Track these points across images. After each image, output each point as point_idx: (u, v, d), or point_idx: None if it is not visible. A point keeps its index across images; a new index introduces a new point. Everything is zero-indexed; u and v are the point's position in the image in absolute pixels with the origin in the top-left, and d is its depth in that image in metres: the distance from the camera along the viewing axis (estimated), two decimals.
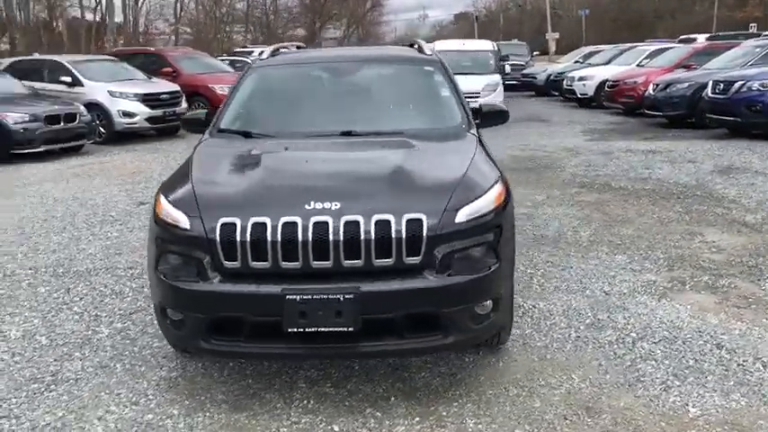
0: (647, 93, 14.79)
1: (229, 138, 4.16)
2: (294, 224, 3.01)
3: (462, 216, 3.14)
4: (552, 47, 44.50)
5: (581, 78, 19.31)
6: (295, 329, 3.00)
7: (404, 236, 3.02)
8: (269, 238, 3.00)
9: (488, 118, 4.46)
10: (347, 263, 3.02)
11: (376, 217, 3.03)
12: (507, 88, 23.67)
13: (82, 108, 12.19)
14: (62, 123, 11.61)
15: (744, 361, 3.68)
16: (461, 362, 3.75)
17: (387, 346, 3.15)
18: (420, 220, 3.05)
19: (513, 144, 12.16)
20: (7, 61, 15.24)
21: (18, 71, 14.02)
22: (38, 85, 13.60)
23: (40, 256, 5.95)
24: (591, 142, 12.25)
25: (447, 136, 4.04)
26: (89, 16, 38.94)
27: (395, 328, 3.10)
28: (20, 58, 16.48)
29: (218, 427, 3.17)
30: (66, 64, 13.90)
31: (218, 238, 3.04)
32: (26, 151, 11.18)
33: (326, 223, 3.01)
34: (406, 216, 3.04)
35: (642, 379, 3.52)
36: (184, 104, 14.43)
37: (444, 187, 3.26)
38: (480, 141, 4.06)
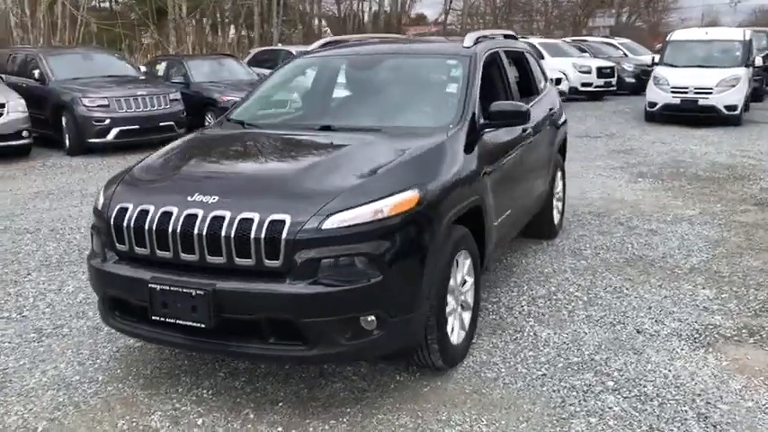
0: None
1: (228, 127, 4.29)
2: (170, 214, 3.06)
3: (334, 222, 2.90)
4: None
5: None
6: (158, 318, 3.06)
7: (263, 236, 2.89)
8: (146, 226, 3.09)
9: (498, 118, 3.97)
10: (210, 258, 2.98)
11: (242, 215, 2.94)
12: None
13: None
14: None
15: None
16: (389, 379, 3.47)
17: (250, 350, 3.05)
18: (282, 222, 2.89)
19: (727, 150, 10.57)
20: (254, 51, 17.15)
21: (260, 60, 15.74)
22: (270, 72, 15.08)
23: None
24: None
25: (417, 135, 3.70)
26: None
27: (258, 332, 3.00)
28: (265, 48, 18.41)
29: (116, 399, 3.34)
30: (293, 53, 15.20)
31: (112, 221, 3.21)
32: None
33: (195, 216, 3.00)
34: (271, 217, 2.91)
35: None
36: None
37: (330, 190, 3.04)
38: (455, 143, 3.65)
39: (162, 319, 3.05)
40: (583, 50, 22.35)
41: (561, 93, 18.06)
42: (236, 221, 2.93)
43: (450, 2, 39.41)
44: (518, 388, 3.37)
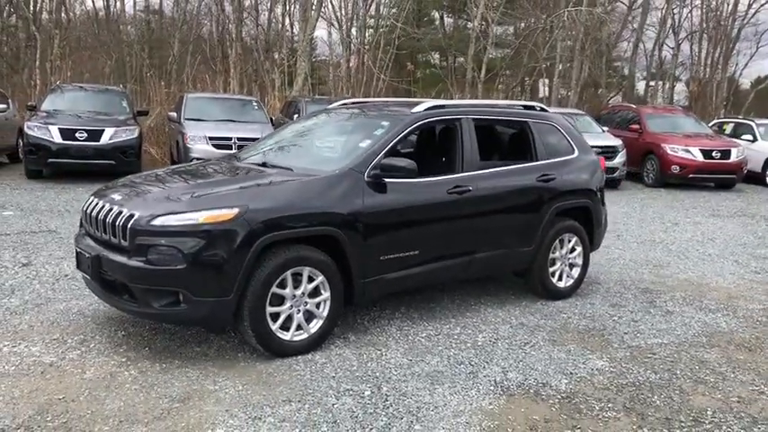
0: None
1: (230, 158, 5.75)
2: (98, 204, 4.63)
3: (160, 221, 4.17)
4: None
5: None
6: (80, 271, 4.67)
7: (120, 224, 4.28)
8: (86, 209, 4.71)
9: (386, 170, 4.77)
10: (103, 235, 4.47)
11: (119, 209, 4.38)
12: None
13: None
14: None
15: None
16: (231, 353, 4.55)
17: (120, 303, 4.43)
18: (132, 216, 4.25)
19: None
20: None
21: None
22: None
23: None
24: None
25: (305, 175, 4.71)
26: None
27: (120, 289, 4.39)
28: None
29: (71, 324, 4.99)
30: None
31: (83, 205, 4.90)
32: None
33: (104, 207, 4.52)
34: (130, 212, 4.29)
35: None
36: (619, 159, 14.85)
37: (179, 200, 4.33)
38: (329, 184, 4.61)
39: (82, 273, 4.65)
40: None
41: None
42: (114, 212, 4.38)
43: None
44: (298, 375, 4.21)
